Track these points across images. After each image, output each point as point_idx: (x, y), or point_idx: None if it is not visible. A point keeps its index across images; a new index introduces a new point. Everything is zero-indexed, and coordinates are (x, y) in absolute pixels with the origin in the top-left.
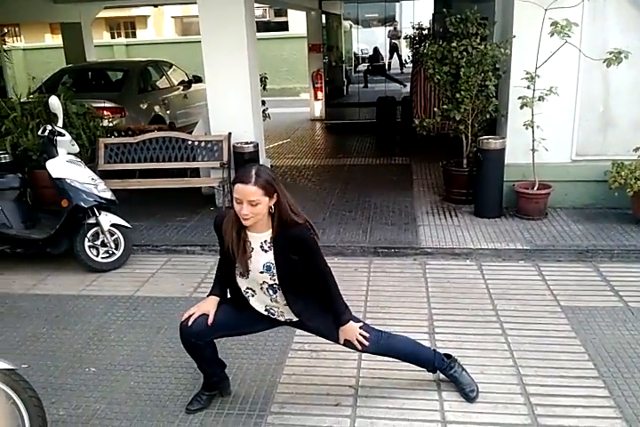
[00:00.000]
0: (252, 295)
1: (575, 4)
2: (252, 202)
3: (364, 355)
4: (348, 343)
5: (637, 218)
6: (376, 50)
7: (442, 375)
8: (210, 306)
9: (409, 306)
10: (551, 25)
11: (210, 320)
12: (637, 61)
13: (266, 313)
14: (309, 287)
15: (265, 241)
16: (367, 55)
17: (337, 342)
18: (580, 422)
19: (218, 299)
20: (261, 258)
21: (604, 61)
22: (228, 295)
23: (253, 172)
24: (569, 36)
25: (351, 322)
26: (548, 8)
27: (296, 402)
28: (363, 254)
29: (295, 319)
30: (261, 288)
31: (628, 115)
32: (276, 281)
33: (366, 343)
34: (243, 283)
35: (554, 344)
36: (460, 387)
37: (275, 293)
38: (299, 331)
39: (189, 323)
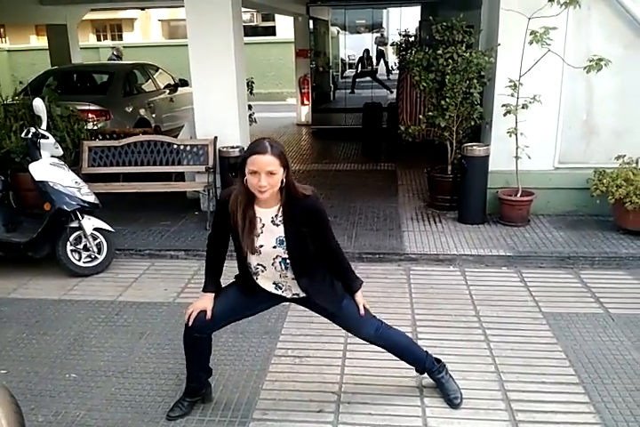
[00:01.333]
0: (262, 271)
1: (557, 13)
2: (270, 172)
3: (347, 361)
4: (349, 325)
5: (618, 225)
6: (367, 51)
7: (424, 381)
8: (206, 303)
9: (393, 311)
10: (530, 34)
11: (208, 316)
12: (621, 70)
13: (273, 287)
14: (317, 263)
15: (275, 215)
16: (353, 59)
17: (335, 320)
18: None
19: (213, 295)
20: (273, 232)
21: (584, 68)
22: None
23: (267, 143)
24: (548, 44)
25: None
26: (532, 17)
27: (278, 408)
28: (349, 259)
29: (302, 295)
30: (273, 263)
31: (611, 123)
32: (288, 255)
33: (370, 311)
34: (254, 259)
35: (535, 350)
36: (444, 393)
37: (286, 268)
38: (282, 336)
39: (190, 323)
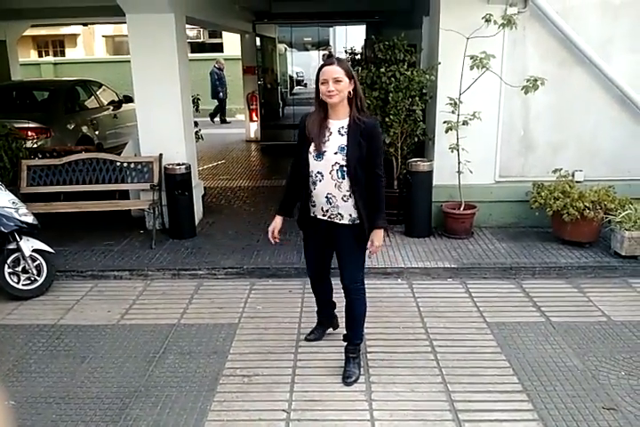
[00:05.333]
0: (320, 180)
1: (494, 34)
2: (336, 79)
3: (296, 377)
4: (342, 264)
5: (557, 236)
6: None
7: (373, 395)
8: (276, 224)
9: (342, 326)
10: (470, 59)
11: (276, 234)
12: (555, 87)
13: (325, 201)
14: (364, 187)
15: (342, 127)
16: (302, 76)
17: (338, 256)
18: None
19: (282, 218)
20: (337, 140)
21: (521, 88)
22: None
23: (334, 58)
24: (487, 68)
25: (383, 230)
26: (470, 37)
27: None
28: (297, 276)
29: (344, 221)
30: (331, 171)
31: (547, 138)
32: (346, 162)
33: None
34: (315, 166)
35: (480, 360)
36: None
37: (342, 178)
38: (231, 356)
39: (273, 242)
